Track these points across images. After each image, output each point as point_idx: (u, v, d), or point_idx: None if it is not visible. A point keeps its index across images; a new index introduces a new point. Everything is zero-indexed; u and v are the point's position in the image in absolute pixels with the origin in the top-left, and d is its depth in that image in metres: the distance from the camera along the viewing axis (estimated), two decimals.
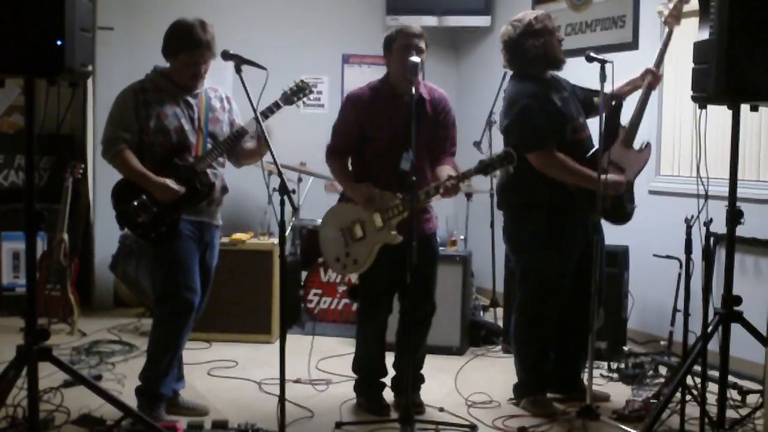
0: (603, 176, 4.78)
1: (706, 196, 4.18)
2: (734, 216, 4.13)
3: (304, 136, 8.15)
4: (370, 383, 5.26)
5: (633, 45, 7.02)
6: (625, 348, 6.29)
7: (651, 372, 5.81)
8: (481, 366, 6.20)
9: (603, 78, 4.77)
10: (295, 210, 7.06)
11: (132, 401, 4.61)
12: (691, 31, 5.48)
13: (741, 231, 4.27)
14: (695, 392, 4.53)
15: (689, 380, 4.52)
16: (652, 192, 6.86)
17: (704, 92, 4.04)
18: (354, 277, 6.59)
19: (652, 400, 5.14)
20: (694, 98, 4.15)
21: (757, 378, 5.39)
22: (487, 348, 6.68)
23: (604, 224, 5.05)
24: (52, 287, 6.83)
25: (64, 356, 5.73)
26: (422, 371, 5.34)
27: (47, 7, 3.55)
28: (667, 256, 6.18)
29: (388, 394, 5.28)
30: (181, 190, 4.68)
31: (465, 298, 6.49)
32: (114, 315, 7.54)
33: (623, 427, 4.80)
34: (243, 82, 4.24)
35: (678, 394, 4.48)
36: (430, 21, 8.57)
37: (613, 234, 6.35)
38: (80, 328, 6.87)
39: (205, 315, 5.15)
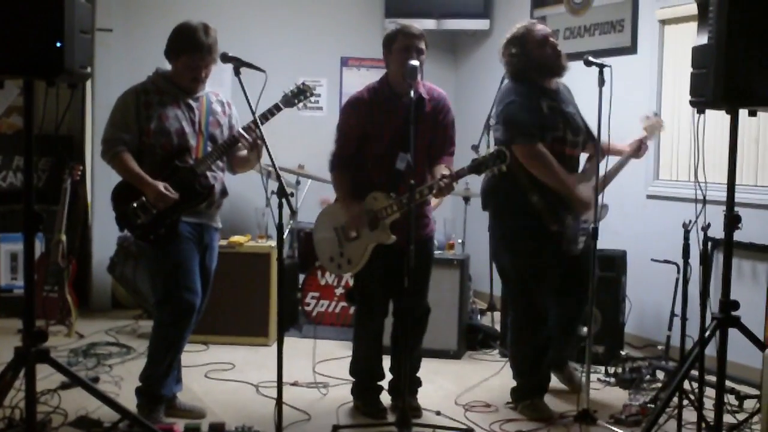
0: (587, 187, 5.01)
1: (704, 201, 4.18)
2: (732, 221, 4.13)
3: (302, 139, 8.16)
4: (367, 386, 5.26)
5: (631, 49, 7.03)
6: (623, 352, 6.30)
7: (648, 376, 5.81)
8: (478, 370, 6.20)
9: (601, 82, 4.79)
10: (293, 213, 7.11)
11: (129, 403, 4.61)
12: (689, 36, 5.50)
13: (739, 236, 4.27)
14: (692, 397, 4.52)
15: (686, 385, 4.52)
16: (650, 197, 6.87)
17: (702, 97, 4.04)
18: (351, 280, 6.60)
19: (649, 405, 5.14)
20: (692, 103, 4.15)
21: (755, 383, 5.39)
22: (485, 352, 6.68)
23: (603, 227, 5.04)
24: (50, 289, 6.82)
25: (61, 358, 5.72)
26: (419, 374, 5.34)
27: (46, 8, 3.56)
28: (665, 261, 6.18)
29: (386, 398, 5.28)
30: (174, 195, 4.68)
31: (462, 302, 6.49)
32: (111, 317, 7.54)
33: (620, 431, 4.81)
34: (242, 85, 4.25)
35: (675, 399, 4.48)
36: (429, 24, 8.57)
37: (611, 238, 6.37)
38: (78, 330, 6.87)
39: (203, 317, 5.13)
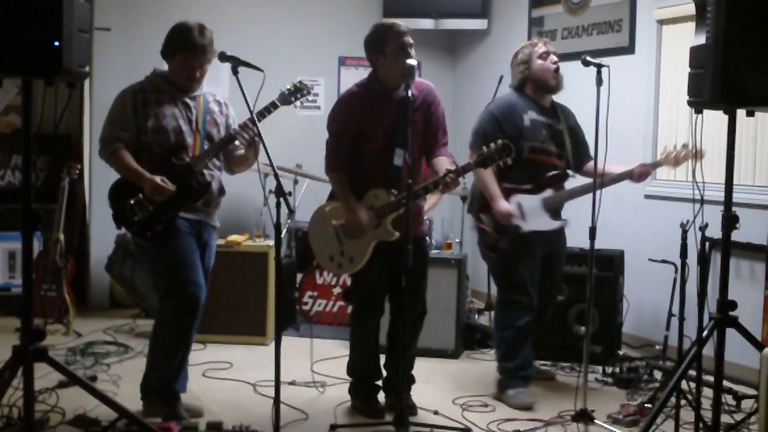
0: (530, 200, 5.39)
1: (702, 201, 4.18)
2: (730, 221, 4.13)
3: (300, 138, 8.16)
4: (364, 386, 5.26)
5: (629, 49, 7.03)
6: (620, 352, 6.29)
7: (646, 376, 5.82)
8: (475, 369, 6.20)
9: (599, 82, 4.80)
10: (291, 212, 7.06)
11: (127, 402, 4.59)
12: (687, 36, 5.50)
13: (736, 236, 4.27)
14: (690, 397, 4.53)
15: (684, 385, 4.52)
16: (647, 196, 6.87)
17: (700, 97, 4.04)
18: (348, 279, 6.61)
19: (646, 405, 5.15)
20: (690, 103, 4.15)
21: (752, 383, 5.39)
22: (482, 351, 6.68)
23: (602, 226, 5.04)
24: (48, 287, 6.82)
25: (59, 357, 5.71)
26: (415, 373, 5.34)
27: (45, 8, 3.55)
28: (663, 261, 6.19)
29: (383, 397, 5.28)
30: (171, 187, 4.69)
31: (460, 301, 6.49)
32: (109, 316, 7.54)
33: (618, 431, 4.81)
34: (240, 84, 4.25)
35: (673, 399, 4.48)
36: (427, 24, 8.59)
37: (608, 238, 6.38)
38: (76, 329, 6.87)
39: (201, 316, 5.14)
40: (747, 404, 5.15)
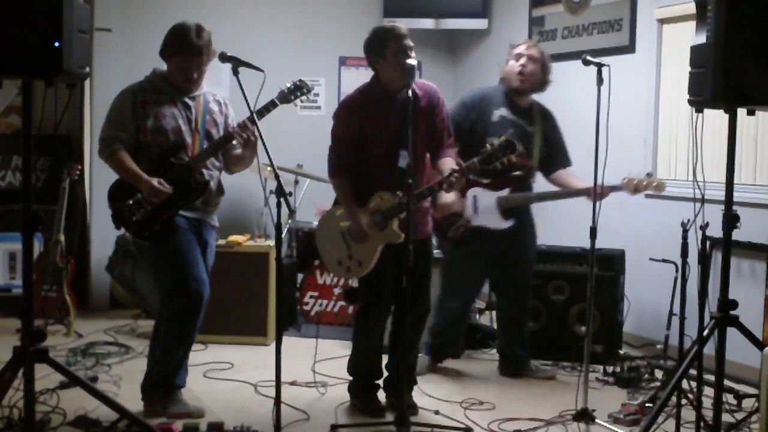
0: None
1: (703, 200, 4.18)
2: (730, 220, 4.13)
3: (300, 138, 8.15)
4: (365, 385, 5.26)
5: (630, 48, 7.03)
6: (621, 351, 6.30)
7: (647, 376, 5.81)
8: (477, 369, 6.20)
9: (600, 81, 4.80)
10: (292, 212, 7.09)
11: (128, 402, 4.59)
12: (688, 35, 5.50)
13: (737, 235, 4.27)
14: (691, 396, 4.53)
15: (685, 384, 4.52)
16: (648, 196, 6.85)
17: (701, 96, 4.04)
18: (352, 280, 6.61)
19: (647, 404, 5.15)
20: (690, 102, 4.15)
21: (753, 382, 5.39)
22: (483, 351, 6.68)
23: (602, 226, 5.04)
24: (49, 288, 6.81)
25: (60, 357, 5.71)
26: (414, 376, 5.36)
27: (45, 8, 3.56)
28: (663, 260, 6.19)
29: (384, 396, 5.29)
30: (168, 189, 4.69)
31: None
32: (110, 316, 7.53)
33: (619, 430, 4.81)
34: (240, 84, 4.25)
35: (674, 398, 4.48)
36: (427, 24, 8.59)
37: (609, 237, 6.38)
38: (76, 330, 6.86)
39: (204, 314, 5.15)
40: (748, 403, 5.15)
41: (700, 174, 4.11)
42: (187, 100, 4.88)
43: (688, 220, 4.91)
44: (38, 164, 7.81)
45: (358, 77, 8.34)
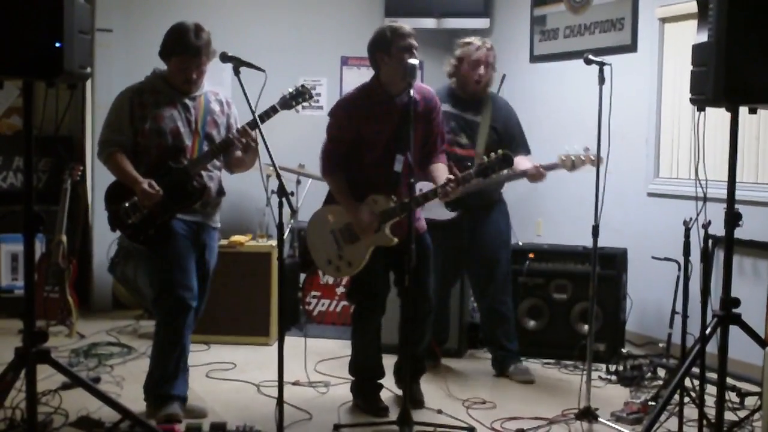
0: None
1: (705, 199, 4.17)
2: (733, 218, 4.12)
3: (302, 138, 8.13)
4: (367, 384, 5.26)
5: (632, 47, 7.02)
6: (624, 350, 6.30)
7: (649, 374, 5.81)
8: (479, 368, 6.20)
9: (601, 80, 4.80)
10: (294, 212, 7.10)
11: (130, 403, 4.58)
12: (689, 34, 5.49)
13: (739, 233, 4.27)
14: (693, 394, 4.52)
15: (687, 382, 4.52)
16: (650, 194, 6.87)
17: (703, 95, 4.04)
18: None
19: (650, 403, 5.15)
20: (692, 101, 4.14)
21: (756, 380, 5.39)
22: (485, 350, 6.66)
23: (604, 224, 5.04)
24: (51, 289, 6.82)
25: (62, 358, 5.72)
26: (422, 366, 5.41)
27: (46, 9, 3.55)
28: (666, 259, 6.18)
29: (386, 395, 5.29)
30: (158, 192, 4.66)
31: (463, 301, 6.48)
32: (112, 317, 7.54)
33: (621, 429, 4.81)
34: (241, 84, 4.24)
35: (676, 397, 4.48)
36: (429, 23, 8.58)
37: (611, 236, 6.37)
38: (79, 330, 6.87)
39: (204, 317, 5.14)
40: (750, 401, 5.15)
41: (702, 172, 4.10)
42: (187, 101, 4.86)
43: (691, 219, 4.90)
44: (39, 165, 7.81)
45: (360, 77, 8.33)
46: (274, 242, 6.72)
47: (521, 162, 5.62)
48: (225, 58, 4.40)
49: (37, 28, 3.54)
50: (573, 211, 6.82)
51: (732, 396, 5.17)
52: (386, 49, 4.86)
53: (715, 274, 5.83)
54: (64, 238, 6.82)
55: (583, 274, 6.06)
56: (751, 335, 4.30)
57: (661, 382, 5.63)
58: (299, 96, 4.89)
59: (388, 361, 5.36)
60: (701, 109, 4.14)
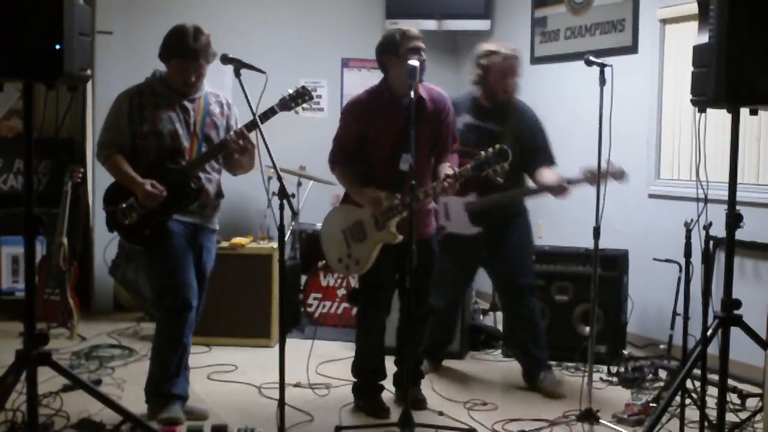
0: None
1: (706, 200, 4.17)
2: (734, 219, 4.12)
3: (303, 140, 8.14)
4: (369, 386, 5.27)
5: (632, 49, 7.02)
6: (625, 352, 6.30)
7: (650, 376, 5.81)
8: (480, 370, 6.20)
9: (602, 82, 4.80)
10: (295, 214, 7.10)
11: (132, 405, 4.59)
12: (690, 35, 5.49)
13: (740, 234, 4.26)
14: (695, 396, 4.52)
15: (689, 384, 4.52)
16: (651, 196, 6.86)
17: (704, 96, 4.03)
18: (354, 281, 6.62)
19: (651, 404, 5.14)
20: (693, 102, 4.14)
21: (757, 381, 5.39)
22: (487, 352, 6.68)
23: (606, 226, 5.03)
24: (52, 291, 6.82)
25: (63, 361, 5.72)
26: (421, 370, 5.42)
27: (46, 11, 3.54)
28: (667, 260, 6.18)
29: (387, 396, 5.29)
30: (161, 191, 4.68)
31: (465, 302, 6.48)
32: (113, 319, 7.54)
33: (623, 430, 4.81)
34: (242, 86, 4.25)
35: (678, 398, 4.48)
36: (430, 25, 8.58)
37: (612, 238, 6.36)
38: (80, 333, 6.87)
39: (205, 319, 5.14)
40: (752, 403, 5.15)
41: (703, 174, 4.10)
42: (186, 103, 4.86)
43: (692, 220, 4.90)
44: (40, 167, 7.81)
45: (361, 79, 8.37)
46: (275, 244, 6.72)
47: (545, 175, 5.52)
48: (226, 59, 4.41)
49: (37, 30, 3.54)
50: (574, 212, 6.80)
51: (733, 397, 5.17)
52: (395, 50, 4.90)
53: (716, 276, 5.82)
54: (65, 240, 6.82)
55: (585, 276, 6.06)
56: (753, 337, 4.30)
57: (662, 384, 5.63)
58: (299, 97, 4.88)
59: (389, 363, 5.35)
60: (702, 110, 4.13)
